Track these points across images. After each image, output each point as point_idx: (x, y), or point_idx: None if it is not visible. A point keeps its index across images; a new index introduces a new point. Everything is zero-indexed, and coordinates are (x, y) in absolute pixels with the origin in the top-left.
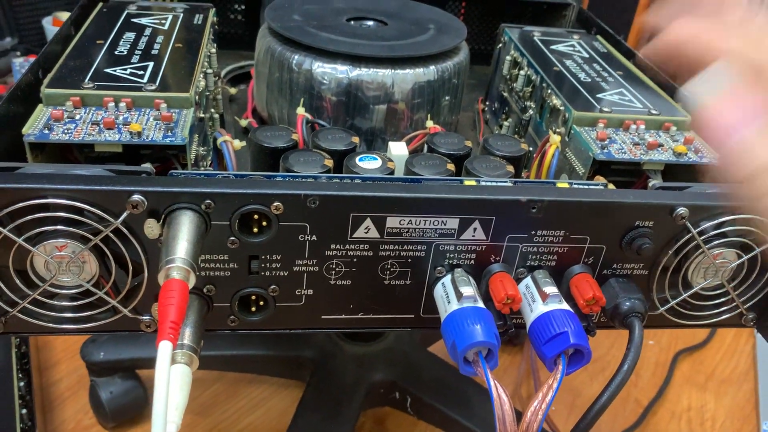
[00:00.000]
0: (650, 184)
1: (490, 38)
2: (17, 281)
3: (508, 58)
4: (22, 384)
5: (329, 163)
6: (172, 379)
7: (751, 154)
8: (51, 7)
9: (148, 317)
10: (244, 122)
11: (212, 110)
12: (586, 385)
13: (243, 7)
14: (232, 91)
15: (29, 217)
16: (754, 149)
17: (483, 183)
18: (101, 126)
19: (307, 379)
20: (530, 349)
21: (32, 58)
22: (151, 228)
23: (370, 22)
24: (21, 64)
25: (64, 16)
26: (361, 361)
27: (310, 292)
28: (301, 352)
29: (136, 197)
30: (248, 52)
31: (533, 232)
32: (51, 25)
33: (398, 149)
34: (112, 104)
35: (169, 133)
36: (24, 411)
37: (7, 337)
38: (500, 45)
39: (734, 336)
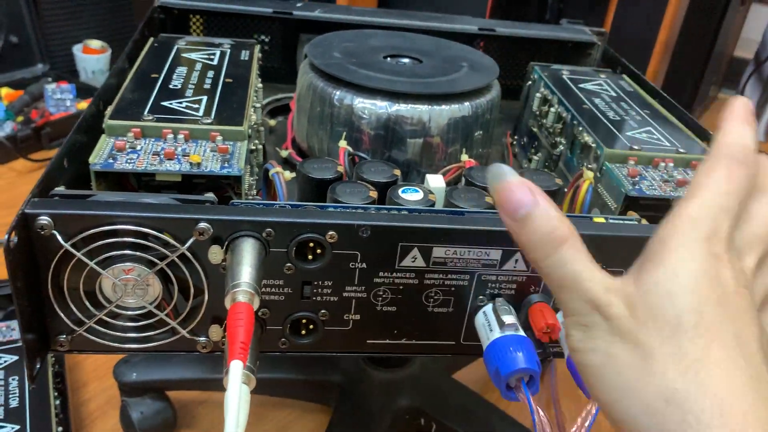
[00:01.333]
0: None
1: (512, 74)
2: (85, 302)
3: (538, 95)
4: (57, 402)
5: (373, 194)
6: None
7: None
8: (81, 35)
9: (204, 338)
10: (284, 153)
11: (256, 141)
12: None
13: (268, 38)
14: (271, 122)
15: (100, 242)
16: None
17: None
18: (162, 156)
19: (334, 404)
20: (551, 378)
21: (63, 84)
22: (215, 254)
23: (406, 60)
24: (53, 90)
25: (94, 43)
26: (387, 387)
27: (358, 317)
28: (329, 376)
29: (203, 225)
30: (282, 85)
31: None
32: (81, 53)
33: (436, 182)
34: (170, 136)
35: (226, 165)
36: (60, 429)
37: (45, 356)
38: (530, 82)
39: None
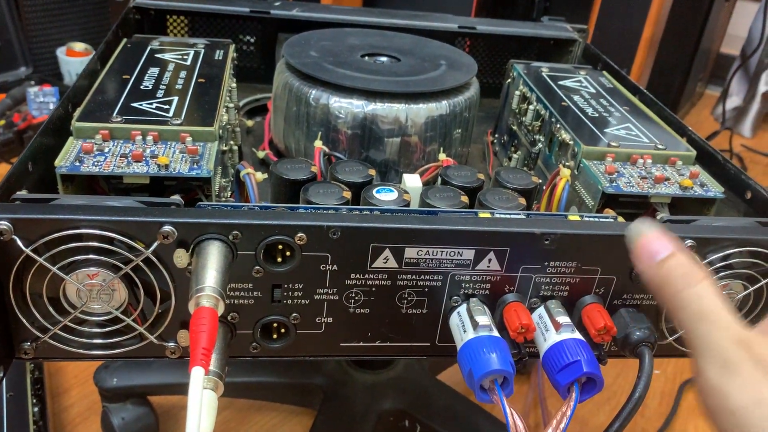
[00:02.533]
0: (658, 217)
1: (497, 72)
2: (49, 308)
3: (517, 92)
4: (36, 409)
5: (347, 194)
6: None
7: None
8: (65, 38)
9: (173, 344)
10: (261, 154)
11: (231, 142)
12: (593, 414)
13: (253, 39)
14: (249, 123)
15: (63, 247)
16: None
17: (497, 215)
18: (129, 158)
19: (318, 406)
20: (538, 378)
21: (47, 87)
22: (180, 258)
23: (384, 58)
24: (35, 93)
25: (78, 46)
26: (371, 389)
27: (330, 320)
28: (312, 379)
29: (167, 228)
30: (262, 85)
31: (546, 263)
32: (65, 55)
33: (412, 181)
34: (139, 137)
35: (195, 166)
36: None
37: (22, 363)
38: (509, 80)
39: None
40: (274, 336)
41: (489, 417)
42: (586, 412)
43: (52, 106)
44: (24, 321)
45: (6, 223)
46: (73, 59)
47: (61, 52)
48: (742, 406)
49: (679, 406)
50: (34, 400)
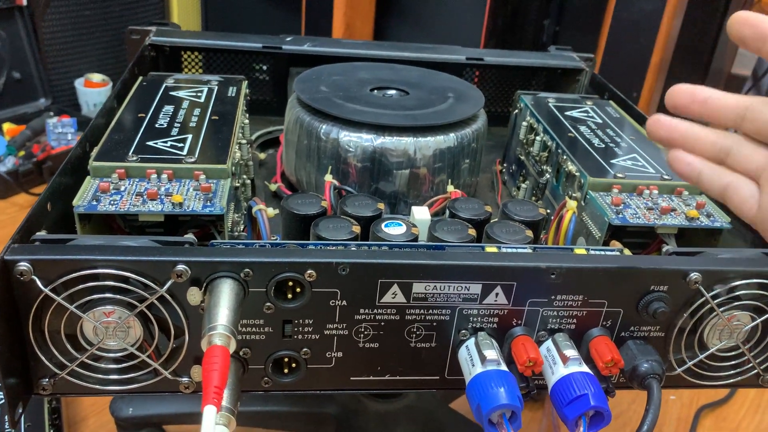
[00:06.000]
0: (664, 249)
1: (505, 101)
2: (67, 345)
3: (524, 123)
4: None
5: (356, 229)
6: None
7: None
8: (83, 69)
9: (187, 379)
10: (273, 186)
11: (244, 176)
12: None
13: (265, 67)
14: (261, 156)
15: (81, 286)
16: None
17: (504, 250)
18: (145, 197)
19: None
20: (551, 405)
21: (65, 118)
22: (194, 295)
23: (393, 92)
24: (54, 124)
25: (95, 77)
26: (383, 418)
27: (340, 354)
28: (325, 408)
29: (181, 267)
30: (275, 117)
31: (553, 297)
32: (83, 87)
33: (421, 214)
34: (154, 176)
35: (209, 203)
36: None
37: (27, 401)
38: (516, 111)
39: (758, 391)
40: (286, 371)
41: None
42: None
43: (70, 137)
44: (42, 358)
45: (26, 264)
46: (91, 90)
47: (79, 83)
48: None
49: None
50: (52, 430)
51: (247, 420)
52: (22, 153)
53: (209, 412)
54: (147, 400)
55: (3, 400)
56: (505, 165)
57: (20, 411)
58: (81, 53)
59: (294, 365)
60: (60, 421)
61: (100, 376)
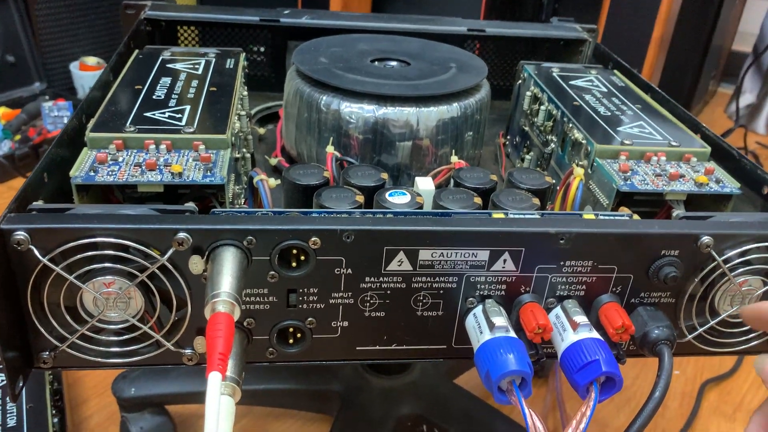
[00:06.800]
0: (674, 214)
1: (507, 74)
2: (67, 317)
3: (528, 93)
4: (55, 420)
5: (360, 198)
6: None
7: None
8: (78, 53)
9: (190, 351)
10: (273, 161)
11: (244, 150)
12: (613, 416)
13: (263, 49)
14: (261, 131)
15: (79, 256)
16: None
17: (511, 215)
18: (143, 167)
19: (335, 413)
20: (556, 381)
21: (61, 102)
22: (196, 264)
23: (394, 63)
24: (50, 107)
25: (90, 60)
26: (388, 394)
27: (346, 324)
28: (329, 386)
29: (182, 235)
30: (273, 93)
31: (562, 263)
32: (78, 70)
33: (425, 184)
34: (152, 146)
35: (209, 173)
36: None
37: (42, 374)
38: (520, 81)
39: None
40: (291, 341)
41: (507, 420)
42: (606, 415)
43: (66, 120)
44: (42, 330)
45: (23, 233)
46: (86, 73)
47: (74, 66)
48: None
49: (701, 406)
50: (54, 411)
51: (251, 398)
52: (18, 137)
53: (214, 379)
54: (149, 379)
55: (4, 381)
56: (508, 137)
57: (21, 384)
58: (75, 36)
59: (299, 335)
60: (62, 403)
61: (101, 348)
